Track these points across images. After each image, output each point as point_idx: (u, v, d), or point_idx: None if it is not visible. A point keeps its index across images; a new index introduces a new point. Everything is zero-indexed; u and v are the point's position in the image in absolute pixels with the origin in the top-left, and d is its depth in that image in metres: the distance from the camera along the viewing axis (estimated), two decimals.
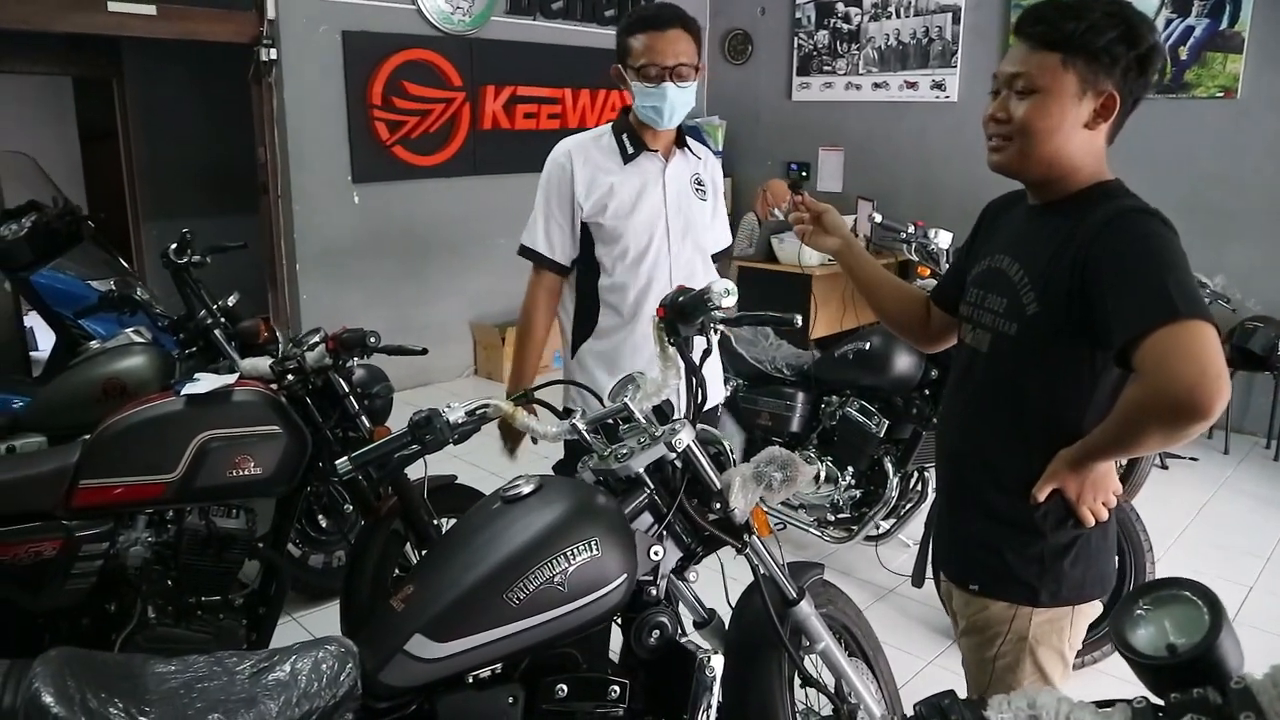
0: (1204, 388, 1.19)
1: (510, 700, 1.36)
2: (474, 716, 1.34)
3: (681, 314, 1.41)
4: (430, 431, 1.64)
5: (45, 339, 3.66)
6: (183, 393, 2.12)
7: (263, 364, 2.31)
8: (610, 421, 1.60)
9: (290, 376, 2.25)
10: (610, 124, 2.32)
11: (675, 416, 1.57)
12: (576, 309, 2.31)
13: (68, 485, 2.05)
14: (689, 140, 2.34)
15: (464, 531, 1.47)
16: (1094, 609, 1.51)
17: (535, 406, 1.75)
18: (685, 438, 1.52)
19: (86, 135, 7.42)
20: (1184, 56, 4.95)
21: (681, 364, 1.50)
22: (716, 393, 2.44)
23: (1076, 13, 1.32)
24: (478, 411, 1.70)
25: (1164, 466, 4.37)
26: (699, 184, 2.34)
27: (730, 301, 1.25)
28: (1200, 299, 1.25)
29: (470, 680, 1.35)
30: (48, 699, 1.14)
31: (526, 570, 1.32)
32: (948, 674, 2.60)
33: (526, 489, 1.46)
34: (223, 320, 2.92)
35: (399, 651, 1.30)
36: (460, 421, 1.67)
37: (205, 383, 2.15)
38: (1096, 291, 1.29)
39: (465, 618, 1.31)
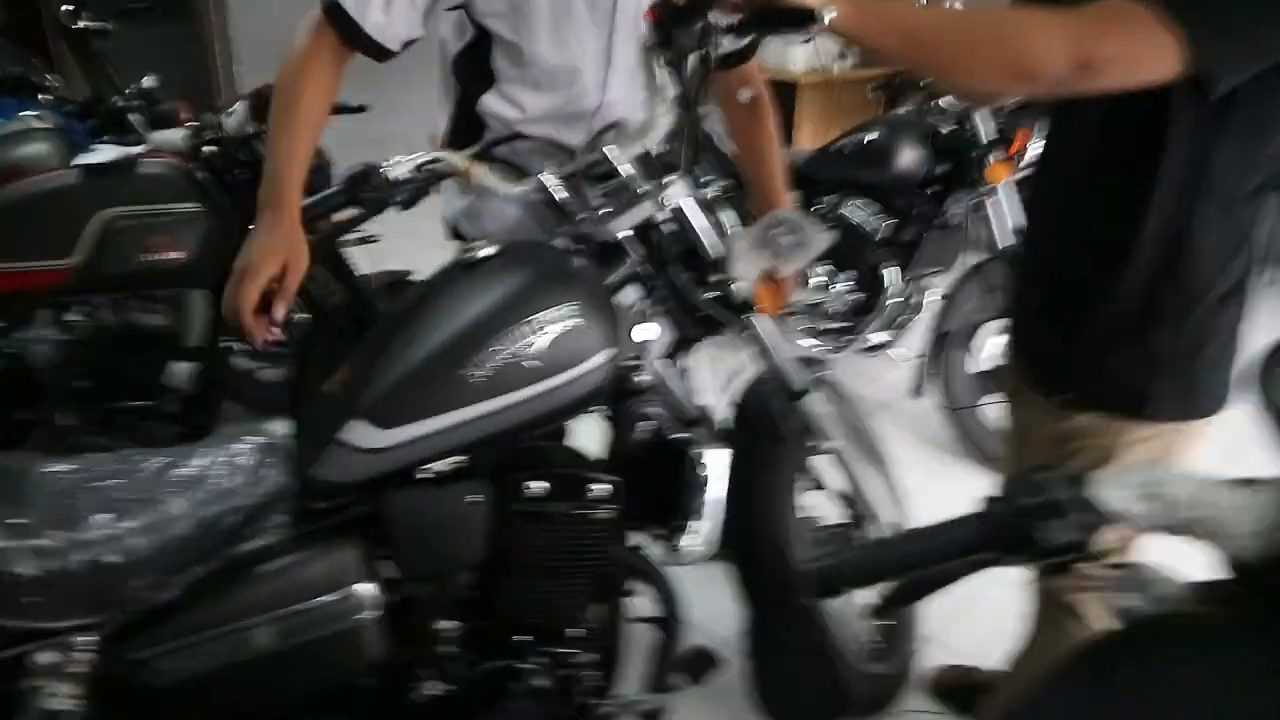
0: (1065, 65, 0.93)
1: (472, 499, 1.13)
2: (429, 518, 1.12)
3: (677, 16, 1.09)
4: (367, 188, 1.36)
5: None
6: (76, 163, 1.79)
7: (175, 135, 1.97)
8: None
9: (208, 148, 1.92)
10: None
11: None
12: (453, 122, 1.63)
13: None
14: None
15: (413, 301, 1.20)
16: (1199, 431, 1.21)
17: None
18: (678, 193, 1.26)
19: None
20: None
21: (674, 94, 1.20)
22: None
23: None
24: (425, 166, 1.41)
25: None
26: None
27: None
28: (1223, 22, 0.92)
29: (425, 476, 1.12)
30: None
31: (490, 341, 1.07)
32: (948, 487, 2.46)
33: (487, 251, 1.19)
34: (137, 103, 2.54)
35: (333, 440, 1.07)
36: (405, 178, 1.38)
37: (105, 153, 1.82)
38: None
39: (415, 399, 1.07)
